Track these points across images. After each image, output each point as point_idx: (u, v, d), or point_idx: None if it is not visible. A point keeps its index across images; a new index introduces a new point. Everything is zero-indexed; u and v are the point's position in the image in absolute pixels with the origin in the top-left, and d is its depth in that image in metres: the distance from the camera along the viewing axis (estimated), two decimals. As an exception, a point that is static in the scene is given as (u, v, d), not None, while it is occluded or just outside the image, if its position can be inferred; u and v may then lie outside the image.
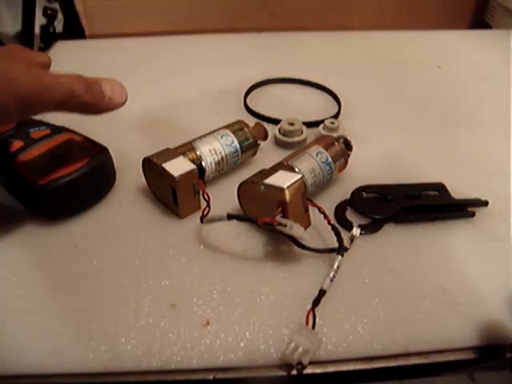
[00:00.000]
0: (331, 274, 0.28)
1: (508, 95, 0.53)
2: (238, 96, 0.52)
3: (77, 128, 0.45)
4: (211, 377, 0.25)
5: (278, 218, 0.30)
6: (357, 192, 0.36)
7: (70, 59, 0.63)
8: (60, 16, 0.76)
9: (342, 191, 0.37)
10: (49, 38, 0.73)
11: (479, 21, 0.83)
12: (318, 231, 0.33)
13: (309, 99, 0.53)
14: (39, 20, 0.72)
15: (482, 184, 0.38)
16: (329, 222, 0.31)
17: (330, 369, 0.26)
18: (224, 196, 0.36)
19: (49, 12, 0.74)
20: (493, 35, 0.73)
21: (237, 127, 0.39)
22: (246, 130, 0.39)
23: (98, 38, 0.73)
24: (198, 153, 0.36)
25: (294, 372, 0.25)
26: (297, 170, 0.33)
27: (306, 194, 0.32)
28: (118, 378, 0.25)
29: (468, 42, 0.69)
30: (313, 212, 0.33)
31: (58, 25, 0.76)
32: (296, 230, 0.29)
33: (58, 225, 0.34)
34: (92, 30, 0.79)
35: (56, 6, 0.75)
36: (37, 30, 0.72)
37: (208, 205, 0.33)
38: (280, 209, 0.30)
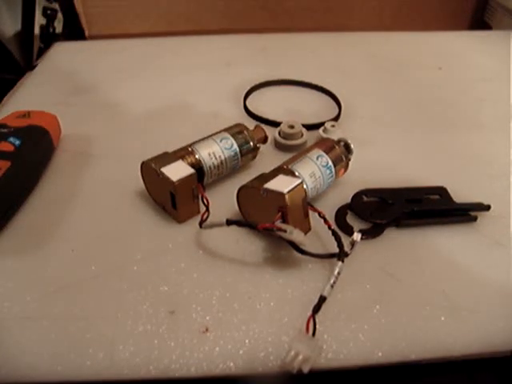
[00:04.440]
0: (332, 280, 0.28)
1: (509, 97, 0.52)
2: (237, 98, 0.52)
3: (74, 128, 0.45)
4: (210, 385, 0.25)
5: (278, 223, 0.29)
6: (357, 196, 0.36)
7: (69, 60, 0.63)
8: (60, 16, 0.76)
9: (342, 195, 0.37)
10: (48, 39, 0.73)
11: (479, 21, 0.83)
12: (319, 236, 0.33)
13: (309, 101, 0.53)
14: (39, 20, 0.72)
15: (484, 188, 0.38)
16: (329, 227, 0.31)
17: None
18: (223, 200, 0.35)
19: (48, 12, 0.74)
20: (493, 36, 0.72)
21: (236, 130, 0.39)
22: (245, 133, 0.39)
23: (97, 39, 0.72)
24: (196, 156, 0.35)
25: (294, 380, 0.25)
26: (297, 174, 0.33)
27: (306, 199, 0.32)
28: (116, 386, 0.25)
29: (469, 43, 0.69)
30: (313, 217, 0.32)
31: (58, 25, 0.76)
32: (296, 235, 0.29)
33: (54, 229, 0.34)
34: (92, 30, 0.79)
35: (56, 6, 0.75)
36: (36, 30, 0.72)
37: (207, 209, 0.32)
38: (280, 214, 0.30)
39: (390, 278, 0.31)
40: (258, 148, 0.40)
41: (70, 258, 0.32)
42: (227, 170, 0.37)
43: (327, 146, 0.37)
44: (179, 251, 0.32)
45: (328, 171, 0.35)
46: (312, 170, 0.34)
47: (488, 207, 0.35)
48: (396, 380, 0.28)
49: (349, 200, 0.36)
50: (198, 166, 0.35)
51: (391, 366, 0.26)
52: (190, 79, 0.57)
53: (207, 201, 0.33)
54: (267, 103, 0.51)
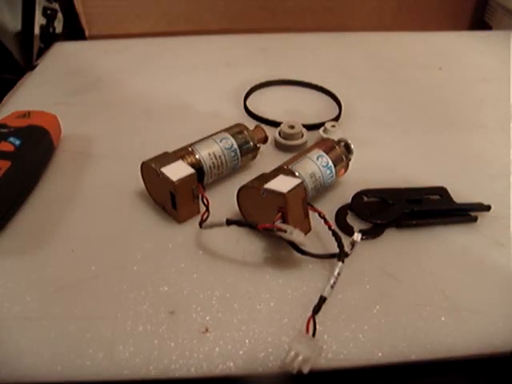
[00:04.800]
0: (332, 281, 0.28)
1: (509, 97, 0.52)
2: (237, 98, 0.52)
3: (74, 128, 0.45)
4: (210, 385, 0.25)
5: (278, 224, 0.29)
6: (358, 196, 0.36)
7: (69, 60, 0.63)
8: (60, 16, 0.76)
9: (342, 195, 0.37)
10: (48, 38, 0.73)
11: (479, 21, 0.83)
12: (319, 236, 0.33)
13: (309, 101, 0.53)
14: (39, 20, 0.72)
15: (484, 188, 0.38)
16: (329, 227, 0.31)
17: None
18: (223, 200, 0.35)
19: (48, 12, 0.74)
20: (493, 36, 0.72)
21: (236, 130, 0.39)
22: (245, 133, 0.39)
23: (97, 39, 0.72)
24: (197, 156, 0.35)
25: (294, 380, 0.25)
26: (297, 174, 0.33)
27: (306, 199, 0.32)
28: (116, 386, 0.25)
29: (469, 43, 0.69)
30: (313, 217, 0.32)
31: (58, 25, 0.75)
32: (296, 235, 0.29)
33: (54, 229, 0.34)
34: (92, 30, 0.79)
35: (56, 6, 0.74)
36: (36, 30, 0.72)
37: (207, 209, 0.32)
38: (280, 214, 0.30)
39: (390, 278, 0.31)
40: (258, 148, 0.40)
41: (70, 258, 0.32)
42: (227, 169, 0.37)
43: (327, 146, 0.37)
44: (179, 251, 0.32)
45: (328, 171, 0.35)
46: (312, 171, 0.34)
47: (488, 207, 0.35)
48: (396, 380, 0.28)
49: (349, 200, 0.36)
50: (198, 166, 0.35)
51: (391, 366, 0.26)
52: (190, 79, 0.57)
53: (207, 201, 0.33)
54: (267, 103, 0.51)
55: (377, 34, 0.71)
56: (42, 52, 0.69)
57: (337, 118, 0.48)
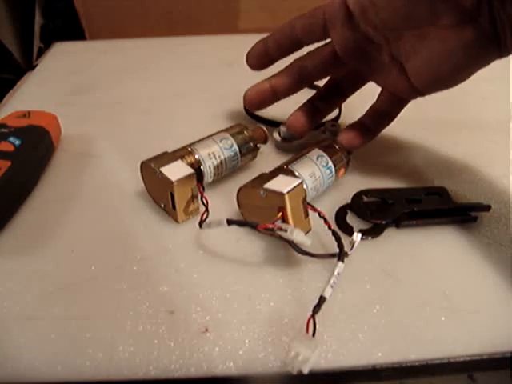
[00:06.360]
0: (332, 281, 0.28)
1: (509, 97, 0.52)
2: (237, 98, 0.51)
3: (74, 128, 0.45)
4: (210, 385, 0.25)
5: (278, 223, 0.29)
6: (357, 196, 0.36)
7: (69, 60, 0.63)
8: (60, 16, 0.76)
9: (342, 195, 0.37)
10: (48, 38, 0.73)
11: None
12: (319, 236, 0.33)
13: (309, 101, 0.53)
14: (39, 20, 0.72)
15: (484, 188, 0.38)
16: (329, 227, 0.31)
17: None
18: (223, 200, 0.35)
19: (48, 12, 0.74)
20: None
21: (236, 130, 0.39)
22: (245, 133, 0.39)
23: (97, 39, 0.72)
24: (196, 156, 0.35)
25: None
26: (297, 174, 0.33)
27: (306, 199, 0.32)
28: (115, 386, 0.25)
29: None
30: (313, 217, 0.32)
31: (58, 25, 0.76)
32: (296, 234, 0.28)
33: (54, 229, 0.34)
34: (92, 30, 0.78)
35: (56, 5, 0.75)
36: (36, 29, 0.72)
37: (206, 209, 0.32)
38: (280, 214, 0.30)
39: (389, 278, 0.31)
40: (258, 148, 0.40)
41: (70, 258, 0.32)
42: (227, 170, 0.37)
43: (327, 146, 0.37)
44: (179, 251, 0.32)
45: (328, 171, 0.35)
46: (312, 170, 0.34)
47: (488, 207, 0.35)
48: (396, 380, 0.28)
49: (349, 200, 0.36)
50: (197, 166, 0.35)
51: (391, 366, 0.26)
52: (190, 79, 0.57)
53: (206, 201, 0.33)
54: (267, 103, 0.51)
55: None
56: (41, 52, 0.69)
57: (337, 118, 0.48)
